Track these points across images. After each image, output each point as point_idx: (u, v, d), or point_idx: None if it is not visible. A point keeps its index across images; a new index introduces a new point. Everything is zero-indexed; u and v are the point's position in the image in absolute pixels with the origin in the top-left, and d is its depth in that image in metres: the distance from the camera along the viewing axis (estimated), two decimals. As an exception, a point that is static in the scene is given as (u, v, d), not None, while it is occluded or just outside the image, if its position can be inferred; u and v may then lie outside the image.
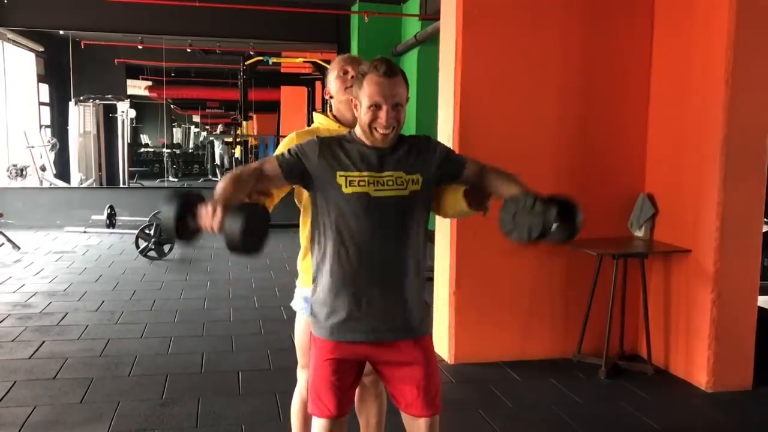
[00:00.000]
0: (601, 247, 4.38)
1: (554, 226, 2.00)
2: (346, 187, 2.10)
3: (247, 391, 4.05)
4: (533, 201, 2.01)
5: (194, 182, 16.24)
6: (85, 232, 9.88)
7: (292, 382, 3.15)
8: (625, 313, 4.57)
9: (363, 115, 2.10)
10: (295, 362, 2.83)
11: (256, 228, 1.93)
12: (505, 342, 4.60)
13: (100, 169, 13.15)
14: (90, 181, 12.71)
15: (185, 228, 1.99)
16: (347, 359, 2.20)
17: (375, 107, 2.07)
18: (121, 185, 13.09)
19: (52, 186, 11.93)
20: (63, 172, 12.81)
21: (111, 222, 10.07)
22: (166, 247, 8.11)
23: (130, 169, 13.67)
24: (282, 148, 2.59)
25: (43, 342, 4.84)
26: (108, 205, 10.15)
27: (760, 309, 4.24)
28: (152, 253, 7.99)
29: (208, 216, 1.95)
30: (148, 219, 8.62)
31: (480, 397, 4.02)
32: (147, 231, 8.05)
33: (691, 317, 4.25)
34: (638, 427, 3.65)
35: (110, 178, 13.30)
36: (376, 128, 2.09)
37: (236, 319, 5.58)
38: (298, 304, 2.70)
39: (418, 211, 2.18)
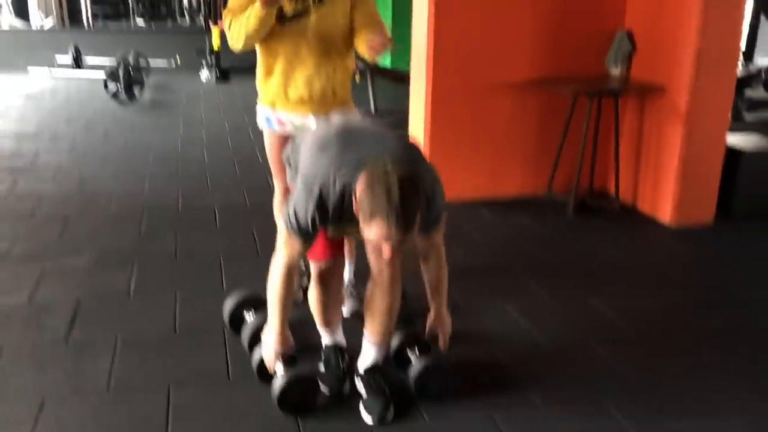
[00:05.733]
0: (576, 86, 4.35)
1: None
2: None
3: (224, 227, 4.12)
4: None
5: (162, 24, 15.58)
6: (51, 74, 9.57)
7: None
8: (596, 151, 4.63)
9: (365, 235, 1.93)
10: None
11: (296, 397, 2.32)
12: (478, 181, 4.67)
13: (60, 5, 12.52)
14: (50, 18, 12.14)
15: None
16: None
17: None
18: (86, 26, 12.56)
19: (13, 28, 11.39)
20: (21, 10, 12.18)
21: (77, 64, 9.74)
22: (137, 90, 7.92)
23: (93, 5, 13.04)
24: None
25: (17, 181, 4.82)
26: (73, 46, 9.77)
27: (728, 147, 4.31)
28: (122, 96, 7.82)
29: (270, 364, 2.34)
30: (116, 61, 8.33)
31: (450, 233, 4.10)
32: (116, 72, 7.81)
33: (661, 155, 4.32)
34: (602, 259, 3.81)
35: (72, 17, 12.72)
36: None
37: (211, 160, 5.58)
38: (261, 122, 2.97)
39: None
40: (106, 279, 3.35)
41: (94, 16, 14.42)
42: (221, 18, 9.55)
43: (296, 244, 2.11)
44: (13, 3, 12.03)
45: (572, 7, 4.47)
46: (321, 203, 2.01)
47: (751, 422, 2.38)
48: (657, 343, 2.91)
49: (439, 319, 2.40)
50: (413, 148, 2.17)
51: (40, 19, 11.94)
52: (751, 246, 4.06)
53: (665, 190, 4.30)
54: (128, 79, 7.81)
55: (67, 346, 2.75)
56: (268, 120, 2.94)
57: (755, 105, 7.82)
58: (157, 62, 9.82)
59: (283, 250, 2.16)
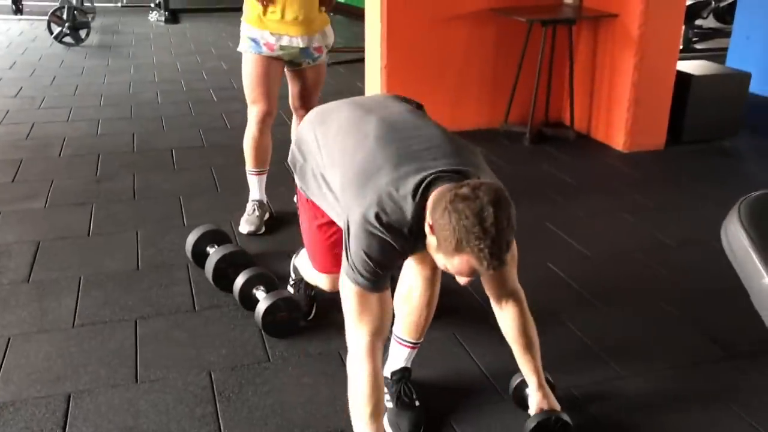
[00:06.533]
0: (530, 14, 4.36)
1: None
2: None
3: (182, 166, 4.08)
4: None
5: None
6: (-10, 19, 9.19)
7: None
8: (551, 81, 4.68)
9: (439, 262, 1.55)
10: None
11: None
12: (435, 114, 4.60)
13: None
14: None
15: None
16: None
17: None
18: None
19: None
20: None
21: (17, 7, 9.35)
22: (83, 32, 7.66)
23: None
24: None
25: (-37, 127, 4.69)
26: (12, -10, 9.37)
27: (678, 74, 4.39)
28: (68, 39, 7.56)
29: None
30: (59, 2, 8.01)
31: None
32: (59, 14, 7.53)
33: (614, 82, 4.39)
34: (558, 184, 3.90)
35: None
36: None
37: (165, 102, 5.47)
38: (244, 46, 2.97)
39: None
40: (65, 220, 3.32)
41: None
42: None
43: (372, 300, 1.62)
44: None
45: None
46: (399, 234, 1.56)
47: (686, 320, 2.51)
48: (611, 260, 3.03)
49: (545, 397, 1.89)
50: (470, 148, 1.78)
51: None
52: (698, 167, 4.19)
53: (618, 118, 4.39)
54: (73, 21, 7.53)
55: (29, 286, 2.73)
56: (255, 42, 2.93)
57: (705, 34, 7.94)
58: (102, 3, 9.48)
59: (360, 323, 1.63)
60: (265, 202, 3.27)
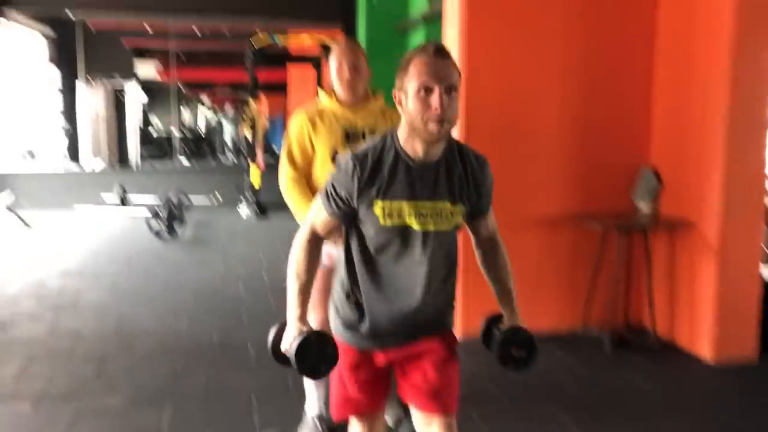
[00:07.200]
0: (605, 221, 4.41)
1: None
2: (384, 219, 1.89)
3: (260, 364, 4.13)
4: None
5: (205, 162, 16.33)
6: (97, 213, 9.99)
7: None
8: (629, 286, 4.61)
9: (411, 104, 1.80)
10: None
11: (311, 358, 1.91)
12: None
13: (110, 152, 13.35)
14: (98, 160, 12.88)
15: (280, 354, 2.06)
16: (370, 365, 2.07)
17: (425, 91, 1.77)
18: (133, 167, 13.26)
19: (65, 170, 12.05)
20: (73, 155, 12.94)
21: (123, 202, 10.19)
22: (179, 228, 8.21)
23: (141, 147, 13.94)
24: (291, 132, 2.84)
25: (58, 319, 4.94)
26: (120, 186, 10.26)
27: (765, 279, 4.26)
28: (165, 234, 8.09)
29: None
30: (159, 199, 8.69)
31: (488, 370, 4.06)
32: (158, 211, 8.13)
33: (695, 289, 4.29)
34: (644, 397, 3.70)
35: (121, 160, 13.52)
36: (428, 121, 1.79)
37: (248, 296, 5.67)
38: None
39: (456, 238, 2.03)
40: (140, 419, 3.36)
41: (142, 156, 15.24)
42: (260, 154, 9.84)
43: (322, 217, 1.97)
44: (68, 148, 12.84)
45: (597, 143, 4.61)
46: (362, 157, 1.88)
47: None
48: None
49: (519, 322, 2.10)
50: None
51: (92, 163, 12.65)
52: (797, 383, 3.92)
53: (702, 325, 4.23)
54: (170, 217, 8.11)
55: (97, 490, 2.72)
56: None
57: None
58: (198, 199, 10.22)
59: (308, 222, 2.03)
60: (324, 416, 3.13)
